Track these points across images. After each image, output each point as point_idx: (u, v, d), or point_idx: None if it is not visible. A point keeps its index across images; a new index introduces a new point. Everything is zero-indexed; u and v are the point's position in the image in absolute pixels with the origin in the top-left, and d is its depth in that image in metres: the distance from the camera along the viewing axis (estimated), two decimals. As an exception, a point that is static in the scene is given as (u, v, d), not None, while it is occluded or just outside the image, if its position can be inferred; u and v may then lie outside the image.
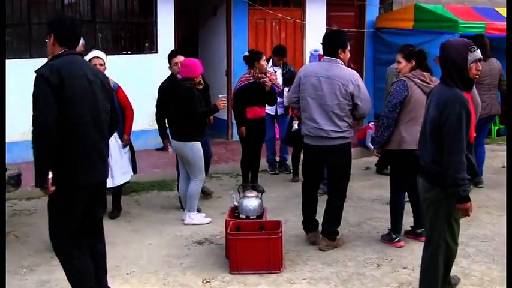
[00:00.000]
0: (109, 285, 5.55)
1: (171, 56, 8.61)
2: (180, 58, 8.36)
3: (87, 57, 7.46)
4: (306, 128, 6.92)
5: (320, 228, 7.10)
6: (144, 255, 6.87)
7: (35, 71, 4.88)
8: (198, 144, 7.74)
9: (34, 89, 4.82)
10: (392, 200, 7.16)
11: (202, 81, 7.94)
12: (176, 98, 7.72)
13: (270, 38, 13.26)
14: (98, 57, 7.59)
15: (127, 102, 8.06)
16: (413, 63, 6.90)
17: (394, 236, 7.10)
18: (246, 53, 9.44)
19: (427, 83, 6.77)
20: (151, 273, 6.37)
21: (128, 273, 6.35)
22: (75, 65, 4.99)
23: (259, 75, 9.03)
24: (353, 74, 6.77)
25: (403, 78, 6.85)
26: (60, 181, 4.90)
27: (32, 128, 4.81)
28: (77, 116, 4.90)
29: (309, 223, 7.16)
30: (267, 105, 9.42)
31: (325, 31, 8.78)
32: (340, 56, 6.81)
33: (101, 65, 7.52)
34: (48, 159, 4.80)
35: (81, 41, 6.14)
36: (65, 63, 4.94)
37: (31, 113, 4.83)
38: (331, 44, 6.85)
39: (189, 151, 7.72)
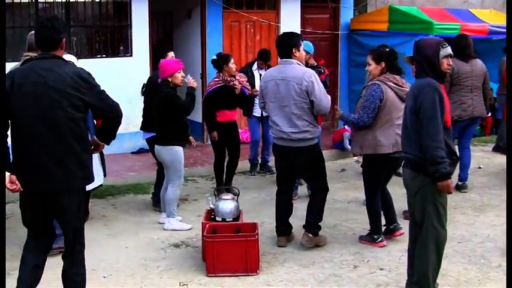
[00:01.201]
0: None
1: (165, 52, 8.53)
2: (171, 54, 8.38)
3: None
4: (271, 131, 7.07)
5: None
6: (120, 258, 6.86)
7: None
8: (178, 149, 7.67)
9: None
10: (369, 203, 7.21)
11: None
12: (156, 102, 7.73)
13: (245, 40, 13.31)
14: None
15: None
16: (383, 65, 6.93)
17: (376, 237, 7.14)
18: (214, 57, 9.39)
19: (400, 86, 6.83)
20: (128, 277, 6.36)
21: (104, 277, 6.34)
22: (32, 71, 4.89)
23: (229, 79, 9.05)
24: (306, 71, 6.81)
25: (377, 82, 6.87)
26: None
27: None
28: (23, 123, 4.85)
29: (279, 227, 7.20)
30: (256, 107, 9.49)
31: (299, 33, 8.81)
32: (295, 55, 6.88)
33: None
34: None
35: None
36: (24, 68, 4.96)
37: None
38: (285, 45, 6.92)
39: (167, 155, 7.68)
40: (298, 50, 6.88)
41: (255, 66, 10.52)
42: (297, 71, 6.77)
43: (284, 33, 7.39)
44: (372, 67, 7.01)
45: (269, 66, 10.48)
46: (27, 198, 5.03)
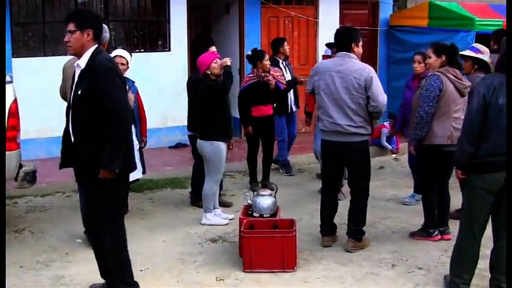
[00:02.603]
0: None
1: (206, 45, 8.53)
2: (213, 48, 8.37)
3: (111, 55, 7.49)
4: (323, 124, 6.90)
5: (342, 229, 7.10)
6: (157, 252, 6.87)
7: (105, 63, 4.99)
8: (219, 144, 7.61)
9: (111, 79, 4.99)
10: (424, 195, 7.17)
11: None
12: (198, 95, 7.75)
13: (283, 36, 13.21)
14: (121, 56, 7.46)
15: (142, 103, 8.04)
16: (443, 58, 6.89)
17: (431, 231, 7.07)
18: (249, 53, 9.37)
19: (460, 79, 6.77)
20: (165, 270, 6.36)
21: (141, 270, 6.32)
22: None
23: (263, 74, 9.01)
24: (365, 67, 6.72)
25: (436, 73, 6.84)
26: None
27: (116, 118, 4.98)
28: None
29: (324, 226, 7.10)
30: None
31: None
32: (354, 50, 6.78)
33: (123, 64, 7.39)
34: None
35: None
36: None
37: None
38: (344, 39, 6.84)
39: (208, 150, 7.63)
40: (357, 46, 6.79)
41: (280, 61, 10.41)
42: (356, 65, 6.68)
43: (344, 27, 7.39)
44: (432, 59, 6.98)
45: (286, 57, 10.39)
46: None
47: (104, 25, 6.68)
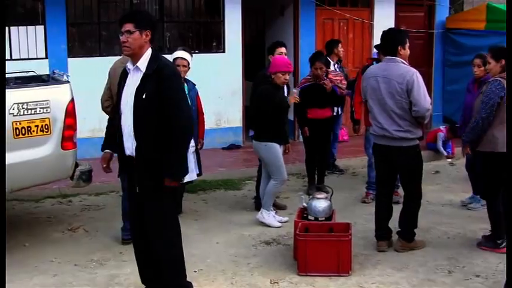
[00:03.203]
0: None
1: (275, 46, 8.54)
2: (282, 49, 8.37)
3: (171, 57, 7.50)
4: (372, 128, 6.91)
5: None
6: (211, 254, 6.86)
7: (171, 68, 5.05)
8: (272, 145, 7.62)
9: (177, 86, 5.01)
10: (489, 205, 6.98)
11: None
12: (254, 95, 7.84)
13: (338, 38, 13.12)
14: (182, 58, 7.50)
15: (201, 106, 8.05)
16: (503, 63, 6.73)
17: (498, 242, 6.87)
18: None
19: None
20: (218, 272, 6.35)
21: (195, 271, 6.33)
22: None
23: (320, 77, 8.97)
24: (409, 70, 6.60)
25: (498, 79, 6.69)
26: None
27: (179, 125, 5.01)
28: None
29: (379, 231, 7.01)
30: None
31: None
32: (400, 53, 6.70)
33: (184, 66, 7.45)
34: None
35: None
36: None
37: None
38: (390, 42, 6.77)
39: (262, 151, 7.69)
40: (404, 48, 6.70)
41: (332, 63, 10.32)
42: (399, 69, 6.60)
43: (390, 29, 7.25)
44: (492, 65, 6.87)
45: (339, 59, 10.27)
46: None
47: None
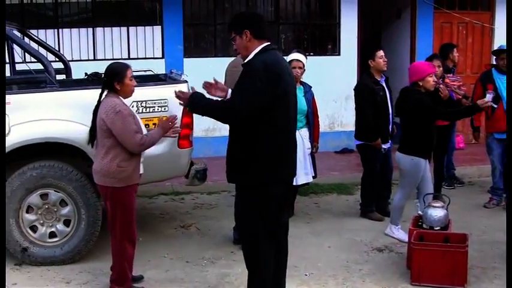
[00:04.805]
0: (287, 285, 5.47)
1: (375, 49, 8.23)
2: (380, 53, 8.09)
3: (286, 59, 7.51)
4: None
5: None
6: (322, 257, 6.81)
7: (255, 64, 4.86)
8: (419, 160, 7.12)
9: (247, 80, 4.83)
10: None
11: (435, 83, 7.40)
12: (406, 107, 7.19)
13: (456, 42, 12.77)
14: (297, 60, 7.52)
15: (316, 109, 7.99)
16: None
17: None
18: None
19: None
20: (330, 277, 6.29)
21: (306, 275, 6.31)
22: (282, 62, 5.04)
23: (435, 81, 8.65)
24: None
25: None
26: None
27: (227, 110, 4.89)
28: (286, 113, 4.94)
29: None
30: None
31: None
32: None
33: (300, 68, 7.49)
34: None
35: None
36: (275, 59, 4.94)
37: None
38: None
39: (406, 164, 7.18)
40: None
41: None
42: None
43: None
44: None
45: (454, 65, 9.79)
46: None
47: None
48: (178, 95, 5.17)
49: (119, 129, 5.48)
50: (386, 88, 8.09)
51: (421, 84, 7.05)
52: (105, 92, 5.69)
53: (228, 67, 7.05)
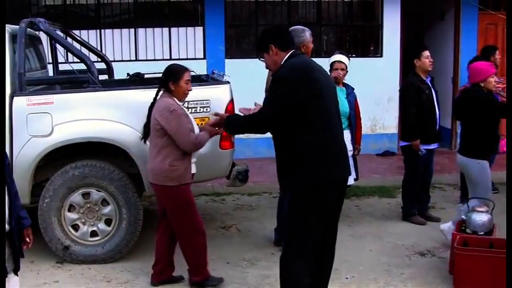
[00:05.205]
0: None
1: (421, 49, 8.11)
2: (426, 53, 7.98)
3: (329, 61, 7.56)
4: None
5: None
6: (364, 261, 6.75)
7: (281, 71, 4.84)
8: (484, 163, 6.88)
9: (274, 87, 4.84)
10: None
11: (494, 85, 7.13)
12: (471, 109, 6.92)
13: (501, 45, 12.57)
14: (340, 61, 7.49)
15: (359, 111, 7.92)
16: None
17: None
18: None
19: None
20: (371, 280, 6.23)
21: (347, 278, 6.27)
22: (311, 63, 4.97)
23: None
24: None
25: None
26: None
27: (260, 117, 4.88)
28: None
29: None
30: None
31: None
32: None
33: (342, 69, 7.47)
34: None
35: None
36: (302, 61, 4.90)
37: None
38: None
39: (473, 169, 6.91)
40: None
41: None
42: None
43: None
44: None
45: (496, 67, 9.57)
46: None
47: (297, 28, 6.81)
48: (213, 123, 5.40)
49: (174, 128, 5.55)
50: (432, 88, 8.00)
51: (482, 85, 6.89)
52: (161, 92, 5.78)
53: (268, 74, 7.01)
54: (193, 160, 5.86)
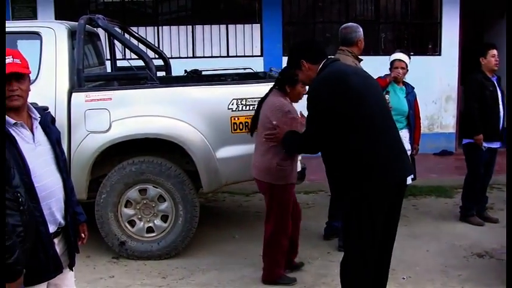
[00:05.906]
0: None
1: (488, 47, 8.00)
2: (493, 52, 7.88)
3: (389, 59, 7.55)
4: None
5: None
6: (420, 261, 6.67)
7: (313, 84, 4.76)
8: None
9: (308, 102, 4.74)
10: None
11: None
12: None
13: None
14: (400, 60, 7.41)
15: (418, 111, 7.81)
16: None
17: None
18: None
19: None
20: (427, 281, 6.15)
21: (403, 278, 6.20)
22: (342, 66, 4.94)
23: None
24: None
25: None
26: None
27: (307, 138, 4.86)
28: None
29: None
30: None
31: None
32: None
33: (402, 68, 7.38)
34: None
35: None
36: (333, 69, 4.77)
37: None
38: None
39: None
40: None
41: None
42: None
43: None
44: None
45: None
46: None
47: (352, 24, 6.81)
48: (269, 139, 5.53)
49: (285, 129, 5.48)
50: (498, 87, 7.86)
51: None
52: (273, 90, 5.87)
53: None
54: (299, 158, 5.94)
